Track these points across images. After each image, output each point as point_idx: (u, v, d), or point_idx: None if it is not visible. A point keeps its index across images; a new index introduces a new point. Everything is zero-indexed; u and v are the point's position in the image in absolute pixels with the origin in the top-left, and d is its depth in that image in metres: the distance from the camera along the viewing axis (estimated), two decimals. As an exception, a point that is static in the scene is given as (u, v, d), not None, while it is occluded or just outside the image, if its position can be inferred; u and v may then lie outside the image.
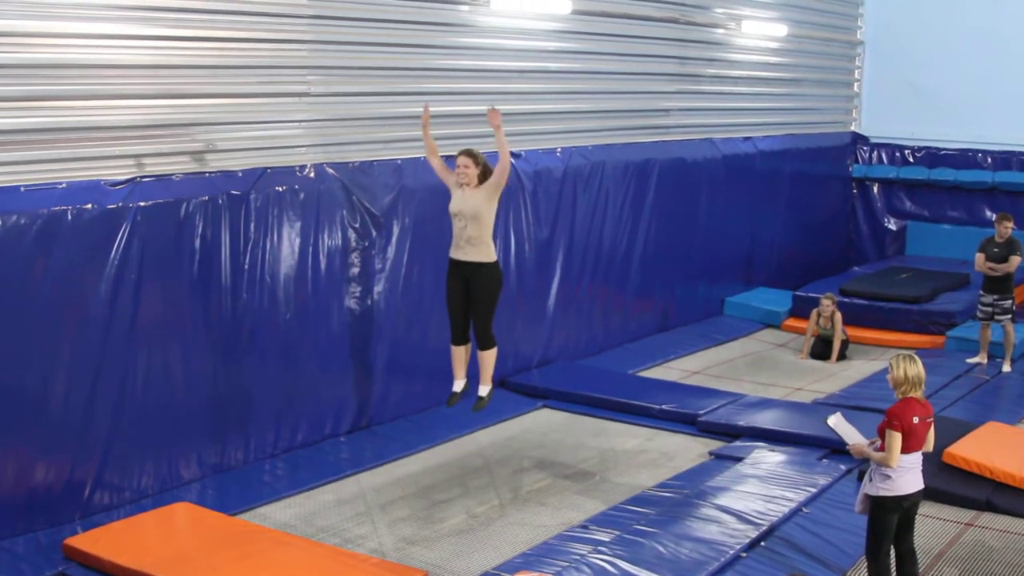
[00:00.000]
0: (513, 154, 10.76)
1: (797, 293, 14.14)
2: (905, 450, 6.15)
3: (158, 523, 7.25)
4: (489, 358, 7.53)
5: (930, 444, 6.38)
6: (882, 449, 6.21)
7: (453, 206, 7.54)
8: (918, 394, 6.24)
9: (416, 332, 9.78)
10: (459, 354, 7.75)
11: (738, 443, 9.35)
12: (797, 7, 15.41)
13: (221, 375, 8.28)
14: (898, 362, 6.24)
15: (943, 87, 16.57)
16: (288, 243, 8.65)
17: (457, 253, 7.51)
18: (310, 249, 8.83)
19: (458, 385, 7.80)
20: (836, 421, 6.58)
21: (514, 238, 10.81)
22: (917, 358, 6.28)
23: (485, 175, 7.61)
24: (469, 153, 7.61)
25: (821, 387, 11.33)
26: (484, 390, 7.63)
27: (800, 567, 6.92)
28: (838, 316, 12.53)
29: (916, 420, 6.17)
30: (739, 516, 7.46)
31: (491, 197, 7.50)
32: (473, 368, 7.93)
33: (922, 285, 13.82)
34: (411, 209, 9.63)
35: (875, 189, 17.41)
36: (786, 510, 7.63)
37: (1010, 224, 11.72)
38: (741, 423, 9.60)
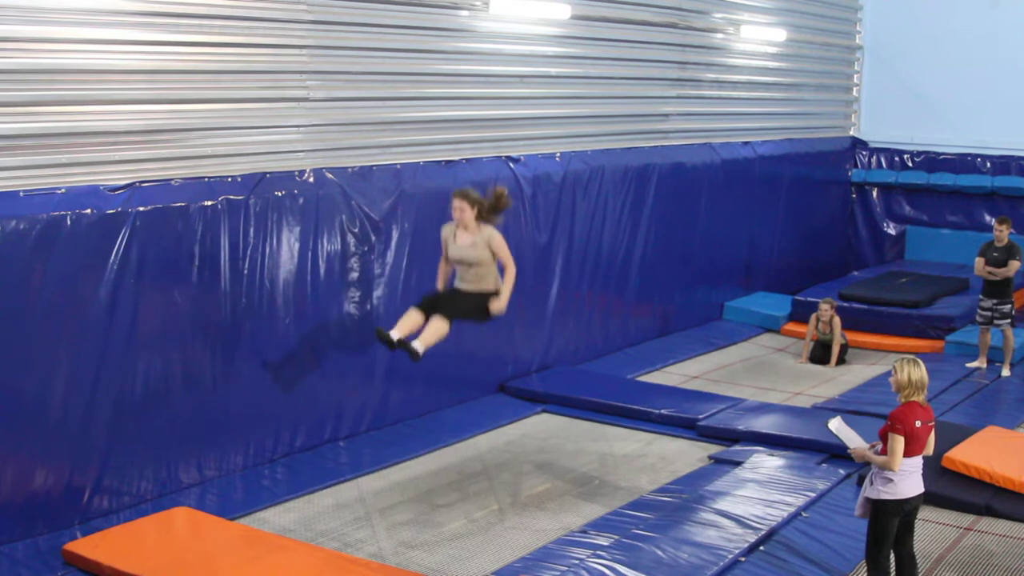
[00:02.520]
0: (512, 159, 10.79)
1: (796, 298, 14.14)
2: (907, 454, 6.15)
3: (157, 528, 7.24)
4: (437, 328, 7.50)
5: (930, 448, 6.38)
6: (884, 453, 6.21)
7: (453, 254, 7.55)
8: (920, 398, 6.25)
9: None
10: (412, 317, 7.62)
11: (737, 447, 9.35)
12: (796, 12, 15.43)
13: (220, 380, 8.28)
14: (902, 366, 6.25)
15: (942, 91, 16.58)
16: (287, 248, 8.65)
17: (462, 285, 7.53)
18: (309, 254, 8.83)
19: (395, 334, 7.62)
20: (837, 425, 6.58)
21: (513, 243, 10.79)
22: (920, 362, 6.29)
23: (480, 214, 7.64)
24: (464, 196, 7.57)
25: (820, 391, 11.34)
26: (420, 346, 7.56)
27: (799, 571, 6.92)
28: (837, 320, 12.54)
29: (918, 424, 6.17)
30: (738, 520, 7.46)
31: (488, 246, 7.52)
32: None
33: (921, 289, 13.83)
34: (410, 214, 9.63)
35: (874, 194, 17.42)
36: (785, 514, 7.62)
37: (1009, 228, 11.73)
38: (740, 427, 9.59)
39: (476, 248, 7.52)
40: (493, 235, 7.77)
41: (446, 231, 7.92)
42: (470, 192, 7.69)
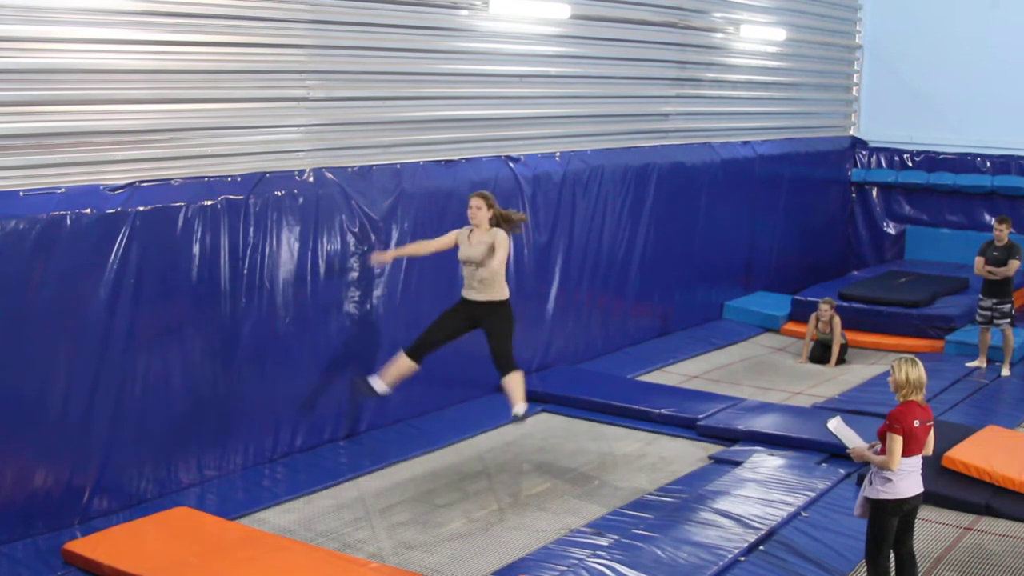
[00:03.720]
0: (512, 158, 10.79)
1: (796, 297, 14.14)
2: (905, 453, 6.15)
3: (157, 528, 7.24)
4: (515, 381, 7.52)
5: (930, 448, 6.38)
6: (883, 452, 6.21)
7: (462, 254, 7.63)
8: (919, 398, 6.25)
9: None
10: (402, 364, 7.66)
11: (737, 447, 9.34)
12: (796, 11, 15.43)
13: (220, 379, 8.28)
14: (899, 365, 6.25)
15: (942, 91, 16.58)
16: (287, 248, 8.65)
17: (469, 293, 7.54)
18: (309, 254, 8.83)
19: (379, 386, 7.64)
20: (836, 425, 6.58)
21: (513, 242, 10.79)
22: (919, 361, 6.28)
23: (496, 223, 7.70)
24: (483, 195, 7.67)
25: (820, 391, 11.34)
26: (521, 408, 7.56)
27: (799, 571, 6.92)
28: (837, 320, 12.54)
29: (917, 423, 6.17)
30: (738, 520, 7.46)
31: (497, 249, 7.54)
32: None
33: (921, 289, 13.83)
34: (410, 213, 9.63)
35: (874, 193, 17.42)
36: (785, 514, 7.63)
37: (1009, 228, 11.73)
38: (740, 427, 9.59)
39: (485, 247, 7.52)
40: (499, 233, 7.86)
41: (460, 233, 7.98)
42: (489, 195, 7.74)
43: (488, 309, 7.56)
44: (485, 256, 7.51)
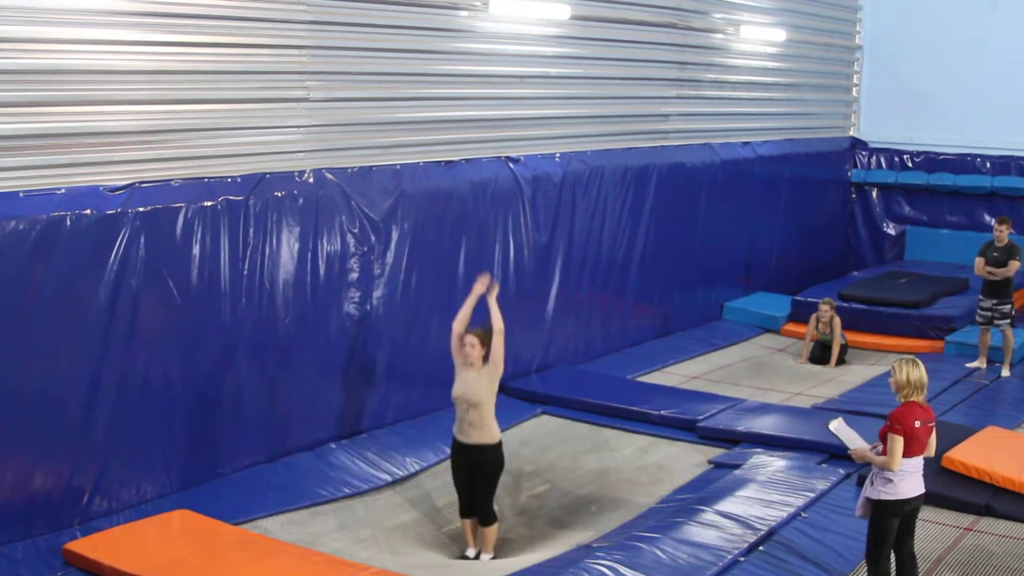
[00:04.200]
0: (512, 159, 10.79)
1: (796, 298, 14.14)
2: (907, 454, 6.15)
3: (157, 529, 7.24)
4: (491, 533, 7.51)
5: (931, 449, 6.38)
6: (884, 453, 6.21)
7: (456, 390, 7.44)
8: (920, 398, 6.25)
9: (415, 337, 9.77)
10: (467, 526, 7.62)
11: (737, 448, 9.34)
12: (796, 12, 15.43)
13: (220, 380, 8.28)
14: (901, 366, 6.25)
15: (942, 92, 16.59)
16: (287, 248, 8.65)
17: (460, 436, 7.44)
18: (309, 255, 8.83)
19: (471, 552, 7.62)
20: (838, 426, 6.58)
21: (513, 243, 10.81)
22: (920, 362, 6.29)
23: (486, 354, 7.48)
24: (478, 334, 7.48)
25: (820, 392, 11.33)
26: (486, 557, 7.56)
27: (799, 572, 6.92)
28: (837, 321, 12.54)
29: (918, 424, 6.17)
30: (738, 521, 7.46)
31: (493, 381, 7.41)
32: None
33: (921, 290, 13.82)
34: (410, 214, 9.63)
35: (874, 194, 17.42)
36: (785, 514, 7.62)
37: (1009, 228, 11.73)
38: (740, 428, 9.59)
39: (480, 384, 7.38)
40: (488, 365, 7.46)
41: (458, 354, 7.59)
42: (484, 333, 7.49)
43: (477, 452, 7.45)
44: (481, 397, 7.39)
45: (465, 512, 7.55)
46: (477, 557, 7.50)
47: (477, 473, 7.40)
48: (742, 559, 6.98)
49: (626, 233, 12.44)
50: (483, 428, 7.33)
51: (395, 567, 7.24)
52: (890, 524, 6.26)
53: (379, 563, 7.28)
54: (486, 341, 7.40)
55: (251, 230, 8.34)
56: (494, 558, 7.46)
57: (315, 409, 9.05)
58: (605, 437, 9.91)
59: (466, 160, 10.31)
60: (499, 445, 7.43)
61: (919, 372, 6.23)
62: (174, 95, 7.88)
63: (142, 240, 7.57)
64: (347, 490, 8.43)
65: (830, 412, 9.43)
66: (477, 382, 7.30)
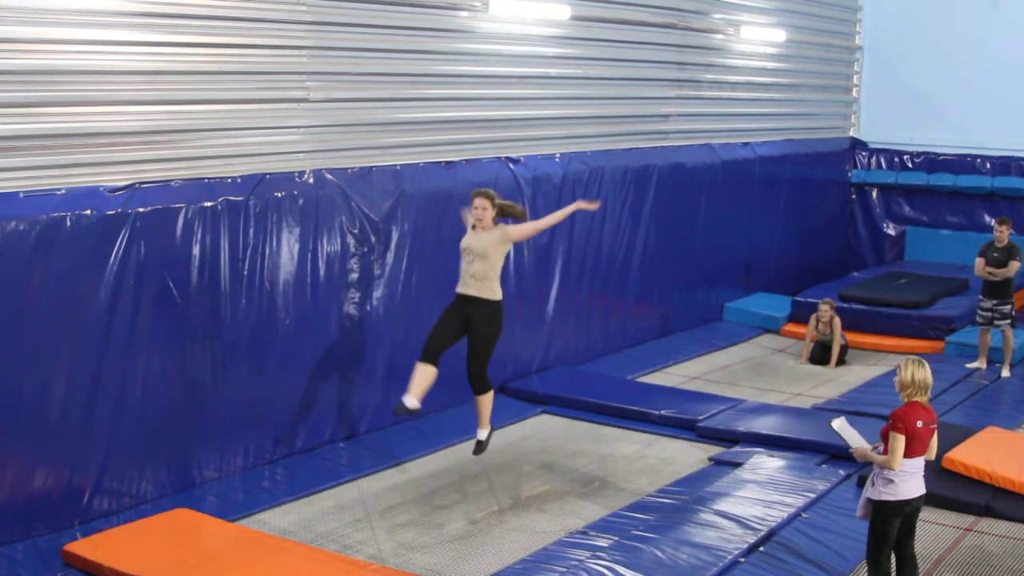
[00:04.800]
0: (512, 160, 10.79)
1: (796, 298, 14.14)
2: (908, 454, 6.15)
3: (157, 529, 7.24)
4: (486, 402, 7.42)
5: (933, 451, 6.37)
6: (885, 452, 6.21)
7: (464, 242, 7.56)
8: (923, 399, 6.25)
9: (415, 337, 9.72)
10: (422, 373, 7.54)
11: (737, 448, 9.34)
12: (796, 12, 15.43)
13: (220, 381, 8.28)
14: (906, 365, 6.26)
15: (942, 92, 16.58)
16: (287, 249, 8.65)
17: (462, 288, 7.47)
18: (309, 255, 8.83)
19: (410, 402, 7.53)
20: (840, 425, 6.58)
21: (513, 244, 10.79)
22: (925, 363, 6.29)
23: (502, 214, 7.66)
24: (486, 195, 7.58)
25: (820, 392, 11.34)
26: (483, 433, 7.51)
27: (799, 572, 6.92)
28: (837, 321, 12.54)
29: (920, 424, 6.17)
30: (738, 521, 7.46)
31: (502, 241, 7.51)
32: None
33: (921, 290, 13.83)
34: (410, 215, 9.64)
35: (874, 194, 17.42)
36: (785, 515, 7.62)
37: (1009, 229, 11.73)
38: (740, 428, 9.59)
39: (490, 238, 7.48)
40: (507, 227, 7.81)
41: (467, 221, 7.97)
42: (492, 193, 7.68)
43: (477, 306, 7.46)
44: (488, 250, 7.47)
45: (428, 357, 7.52)
46: (412, 412, 7.50)
47: (473, 328, 7.34)
48: (742, 560, 6.98)
49: (626, 233, 12.44)
50: (485, 282, 7.37)
51: (390, 548, 7.30)
52: (891, 525, 6.26)
53: (373, 545, 7.35)
54: (495, 202, 7.65)
55: (251, 230, 8.35)
56: (489, 433, 7.43)
57: (315, 409, 9.06)
58: (605, 434, 9.92)
59: (466, 161, 10.31)
60: (500, 304, 7.44)
61: (924, 373, 6.23)
62: (174, 95, 7.89)
63: (142, 241, 7.57)
64: (342, 479, 8.54)
65: (830, 412, 9.43)
66: (486, 237, 7.39)
